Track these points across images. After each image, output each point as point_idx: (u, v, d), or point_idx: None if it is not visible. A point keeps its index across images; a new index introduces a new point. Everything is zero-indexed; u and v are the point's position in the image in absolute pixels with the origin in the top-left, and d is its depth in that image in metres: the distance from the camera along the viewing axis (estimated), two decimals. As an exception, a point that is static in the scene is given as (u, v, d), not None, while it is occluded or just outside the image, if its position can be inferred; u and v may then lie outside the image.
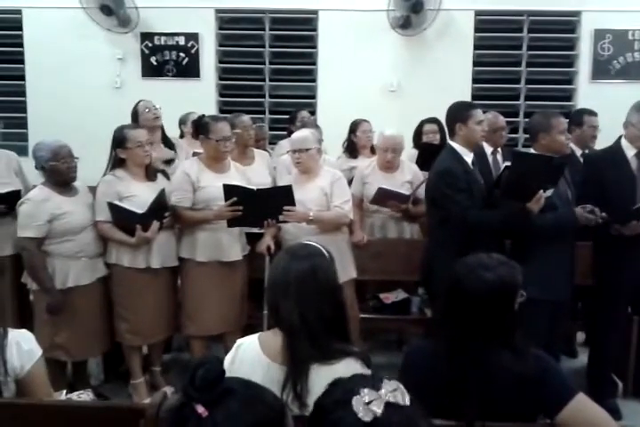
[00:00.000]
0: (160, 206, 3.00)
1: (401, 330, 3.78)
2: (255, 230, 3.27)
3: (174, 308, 3.20)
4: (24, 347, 1.75)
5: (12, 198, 3.14)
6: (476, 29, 5.74)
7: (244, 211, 2.96)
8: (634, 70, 5.67)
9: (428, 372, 1.60)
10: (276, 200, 2.98)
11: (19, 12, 5.86)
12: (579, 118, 4.08)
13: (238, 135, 3.60)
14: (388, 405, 1.01)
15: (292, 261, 1.60)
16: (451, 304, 1.66)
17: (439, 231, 2.99)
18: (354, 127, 4.36)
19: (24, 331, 1.83)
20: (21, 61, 5.92)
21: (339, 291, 1.62)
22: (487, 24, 5.77)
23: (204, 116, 3.23)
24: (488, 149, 3.86)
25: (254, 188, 3.01)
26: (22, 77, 5.94)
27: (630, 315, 3.22)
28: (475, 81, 5.76)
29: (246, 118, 3.78)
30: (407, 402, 1.02)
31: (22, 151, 4.39)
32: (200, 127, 3.16)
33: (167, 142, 3.74)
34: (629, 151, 3.09)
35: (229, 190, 2.96)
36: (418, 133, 4.32)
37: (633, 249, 3.01)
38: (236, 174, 3.21)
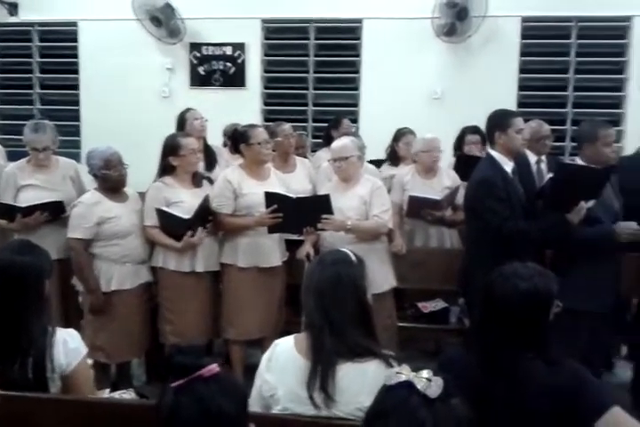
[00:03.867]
0: (205, 212, 3.09)
1: (438, 340, 3.75)
2: (295, 237, 3.31)
3: (216, 312, 3.28)
4: (70, 345, 1.84)
5: (56, 207, 3.27)
6: (523, 36, 5.66)
7: (283, 218, 3.02)
8: (686, 77, 5.49)
9: (460, 380, 1.61)
10: (315, 208, 3.02)
11: (74, 24, 6.13)
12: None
13: (279, 143, 3.66)
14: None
15: (320, 268, 1.71)
16: (485, 313, 1.67)
17: (477, 240, 2.98)
18: (398, 136, 4.38)
19: (71, 330, 1.92)
20: (76, 71, 6.19)
21: (363, 293, 1.70)
22: (534, 30, 5.68)
23: (237, 128, 3.32)
24: (532, 158, 3.80)
25: (294, 196, 3.06)
26: (76, 87, 6.21)
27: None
28: (521, 88, 5.67)
29: (287, 126, 3.85)
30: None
31: (75, 158, 4.57)
32: (238, 137, 3.24)
33: (209, 151, 3.84)
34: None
35: (270, 198, 3.02)
36: (459, 142, 4.29)
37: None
38: (276, 182, 3.28)
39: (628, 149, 4.87)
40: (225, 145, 4.59)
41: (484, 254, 2.80)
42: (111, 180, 3.07)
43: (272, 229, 3.10)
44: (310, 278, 1.71)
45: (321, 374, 1.58)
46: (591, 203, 2.77)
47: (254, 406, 1.68)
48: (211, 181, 3.32)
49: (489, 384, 1.57)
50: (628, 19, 5.55)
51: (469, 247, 3.14)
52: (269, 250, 3.21)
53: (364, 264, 1.75)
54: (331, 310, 1.62)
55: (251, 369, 1.78)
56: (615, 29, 5.65)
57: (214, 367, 1.19)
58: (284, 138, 3.74)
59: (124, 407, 1.82)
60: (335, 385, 1.56)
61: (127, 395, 2.12)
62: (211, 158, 3.81)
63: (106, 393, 2.12)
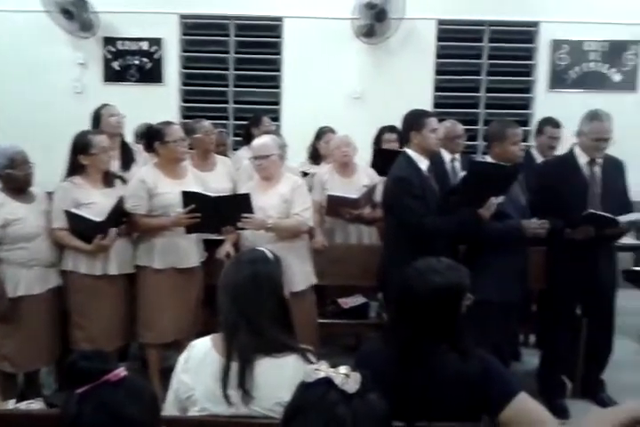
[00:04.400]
0: (118, 214, 2.99)
1: (359, 335, 3.80)
2: (214, 237, 3.26)
3: (130, 315, 3.17)
4: None
5: None
6: (439, 38, 5.85)
7: (202, 218, 2.97)
8: (589, 80, 5.85)
9: (377, 374, 1.64)
10: (235, 207, 2.98)
11: (-21, 14, 5.77)
12: (540, 127, 4.20)
13: (199, 140, 3.60)
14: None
15: (236, 267, 1.71)
16: (401, 307, 1.71)
17: (395, 237, 3.04)
18: (319, 134, 4.40)
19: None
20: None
21: (281, 290, 1.72)
22: (449, 33, 5.88)
23: (151, 125, 3.23)
24: (447, 157, 3.94)
25: (212, 195, 3.01)
26: (-19, 82, 5.85)
27: (579, 317, 3.31)
28: (437, 89, 5.86)
29: (207, 123, 3.78)
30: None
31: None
32: (153, 135, 3.15)
33: (125, 149, 3.71)
34: (582, 159, 3.18)
35: (187, 197, 2.96)
36: (377, 140, 4.37)
37: (583, 253, 3.10)
38: (193, 180, 3.21)
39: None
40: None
41: (401, 250, 2.87)
42: (16, 179, 2.90)
43: (190, 230, 3.04)
44: (226, 277, 1.71)
45: (238, 372, 1.57)
46: (501, 199, 2.89)
47: (170, 409, 1.66)
48: (124, 181, 3.21)
49: (405, 377, 1.60)
50: (536, 24, 5.86)
51: (387, 243, 3.20)
52: (186, 250, 3.15)
53: (280, 262, 1.77)
54: (248, 308, 1.62)
55: (169, 372, 1.74)
56: (524, 34, 5.94)
57: (121, 371, 1.15)
58: (205, 135, 3.68)
59: (30, 418, 1.73)
60: (253, 381, 1.56)
61: (35, 405, 2.02)
62: (127, 157, 3.67)
63: (11, 404, 2.01)
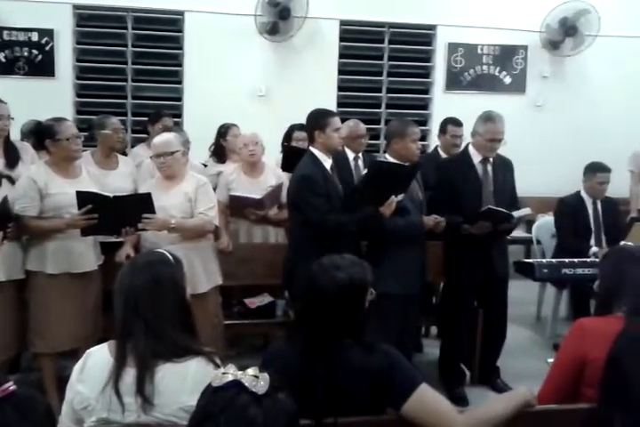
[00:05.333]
0: (3, 216, 2.77)
1: (267, 334, 3.79)
2: (112, 239, 3.13)
3: (21, 324, 2.98)
4: None
5: None
6: (341, 38, 5.94)
7: (99, 219, 2.83)
8: (482, 82, 6.16)
9: (284, 373, 1.64)
10: (135, 208, 2.87)
11: None
12: (443, 127, 4.37)
13: (106, 137, 3.44)
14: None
15: (134, 270, 1.63)
16: (306, 304, 1.71)
17: (300, 234, 3.06)
18: (223, 131, 4.32)
19: None
20: None
21: (183, 293, 1.66)
22: (351, 34, 5.99)
23: (40, 122, 3.04)
24: (350, 155, 4.00)
25: (110, 195, 2.88)
26: None
27: (476, 308, 3.48)
28: (340, 89, 5.95)
29: (115, 120, 3.64)
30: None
31: None
32: (43, 132, 2.98)
33: (9, 146, 3.46)
34: (476, 158, 3.34)
35: (83, 197, 2.81)
36: (287, 138, 4.36)
37: (479, 247, 3.26)
38: (89, 180, 3.06)
39: (433, 147, 5.33)
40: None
41: (306, 248, 2.89)
42: None
43: (86, 232, 2.89)
44: (123, 281, 1.63)
45: (136, 379, 1.51)
46: (400, 197, 2.98)
47: (66, 421, 1.58)
48: (12, 181, 2.99)
49: (310, 374, 1.61)
50: (433, 27, 6.09)
51: (292, 242, 3.22)
52: (82, 254, 2.99)
53: (181, 264, 1.71)
54: (146, 313, 1.56)
55: (66, 383, 1.65)
56: (422, 37, 6.16)
57: (9, 386, 1.07)
58: (113, 132, 3.52)
59: None
60: (153, 388, 1.51)
61: None
62: (12, 155, 3.42)
63: None
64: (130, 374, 1.52)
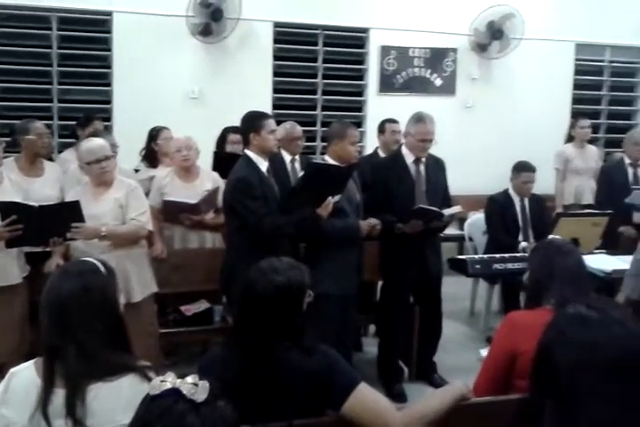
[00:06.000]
0: None
1: (206, 341, 3.73)
2: (39, 249, 3.00)
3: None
4: None
5: None
6: (276, 40, 5.92)
7: (24, 230, 2.70)
8: (414, 84, 6.28)
9: (222, 380, 1.62)
10: (63, 217, 2.76)
11: None
12: (382, 126, 4.45)
13: (30, 142, 3.32)
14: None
15: (63, 280, 1.55)
16: (245, 309, 1.70)
17: (237, 238, 3.04)
18: (154, 134, 4.22)
19: None
20: None
21: (115, 304, 1.60)
22: (285, 36, 5.98)
23: None
24: (287, 158, 4.01)
25: (36, 204, 2.76)
26: None
27: (412, 305, 3.54)
28: (275, 91, 5.93)
29: (40, 124, 3.52)
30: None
31: None
32: None
33: None
34: (409, 158, 3.41)
35: (6, 208, 2.68)
36: (221, 141, 4.30)
37: (413, 246, 3.33)
38: (11, 188, 2.92)
39: (368, 148, 5.42)
40: None
41: (244, 252, 2.87)
42: None
43: (11, 244, 2.76)
44: (49, 293, 1.54)
45: (66, 400, 1.43)
46: (337, 197, 3.00)
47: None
48: None
49: (249, 379, 1.59)
50: (366, 30, 6.16)
51: (230, 246, 3.19)
52: (5, 266, 2.86)
53: (114, 273, 1.64)
54: (75, 328, 1.48)
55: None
56: (356, 39, 6.23)
57: None
58: (38, 137, 3.40)
59: None
60: (85, 409, 1.43)
61: None
62: None
63: None
64: (59, 396, 1.44)
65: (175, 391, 1.08)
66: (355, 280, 3.14)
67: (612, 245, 4.15)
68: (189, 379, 1.10)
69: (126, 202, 3.00)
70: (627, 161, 4.76)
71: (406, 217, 3.26)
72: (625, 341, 1.14)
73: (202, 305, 3.46)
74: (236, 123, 4.09)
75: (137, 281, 2.98)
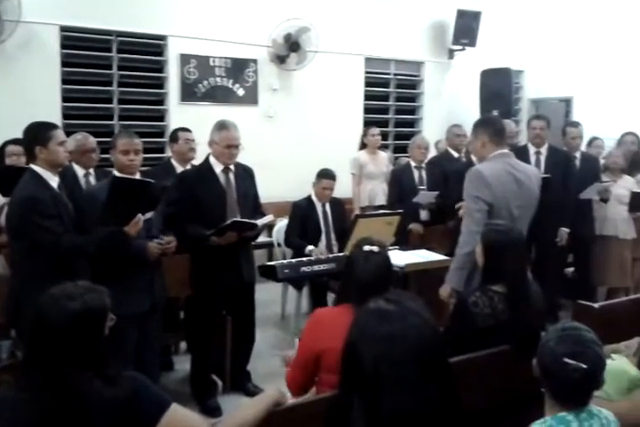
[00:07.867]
0: None
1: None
2: None
3: None
4: None
5: None
6: (63, 46, 5.50)
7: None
8: (217, 93, 6.28)
9: (14, 422, 1.46)
10: None
11: None
12: (174, 135, 4.38)
13: None
14: None
15: None
16: (36, 342, 1.55)
17: (26, 263, 2.77)
18: None
19: None
20: None
21: None
22: (74, 41, 5.59)
23: None
24: (80, 172, 3.78)
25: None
26: None
27: (224, 316, 3.52)
28: (65, 100, 5.51)
29: None
30: None
31: None
32: None
33: None
34: (217, 167, 3.39)
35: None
36: None
37: (226, 255, 3.31)
38: None
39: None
40: None
41: (35, 278, 2.62)
42: None
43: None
44: None
45: None
46: (149, 215, 2.86)
47: None
48: None
49: (50, 420, 1.46)
50: (164, 37, 6.00)
51: (17, 272, 2.88)
52: None
53: None
54: None
55: None
56: (154, 47, 6.04)
57: None
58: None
59: None
60: None
61: None
62: None
63: None
64: None
65: None
66: (147, 297, 2.96)
67: (403, 241, 4.55)
68: None
69: None
70: (412, 164, 5.28)
71: (221, 230, 3.21)
72: (419, 329, 1.26)
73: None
74: (19, 135, 3.74)
75: None
